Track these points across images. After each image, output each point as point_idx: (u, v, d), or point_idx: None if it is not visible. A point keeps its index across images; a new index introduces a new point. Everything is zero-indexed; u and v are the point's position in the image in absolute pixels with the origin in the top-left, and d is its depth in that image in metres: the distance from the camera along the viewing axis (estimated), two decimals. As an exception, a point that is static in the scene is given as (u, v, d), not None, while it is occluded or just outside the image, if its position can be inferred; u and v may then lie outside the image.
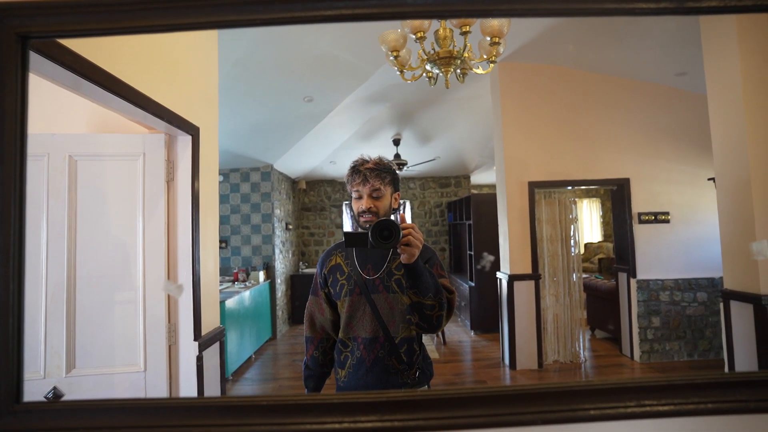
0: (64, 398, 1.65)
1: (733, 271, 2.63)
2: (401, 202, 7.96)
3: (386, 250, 1.10)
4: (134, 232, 1.74)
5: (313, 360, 1.33)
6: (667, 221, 3.87)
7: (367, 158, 1.25)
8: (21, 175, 0.72)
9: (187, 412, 0.67)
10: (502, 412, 0.64)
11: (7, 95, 0.73)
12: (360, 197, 1.21)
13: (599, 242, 8.67)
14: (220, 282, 4.99)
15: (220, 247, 5.45)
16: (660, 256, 3.86)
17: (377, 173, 1.20)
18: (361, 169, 1.20)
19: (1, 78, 0.74)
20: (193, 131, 1.85)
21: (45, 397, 1.63)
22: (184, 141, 1.84)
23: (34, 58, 1.12)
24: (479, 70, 2.49)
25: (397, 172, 1.31)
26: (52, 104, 1.85)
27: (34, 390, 1.63)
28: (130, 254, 1.73)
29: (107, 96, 1.40)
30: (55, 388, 1.65)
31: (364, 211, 1.20)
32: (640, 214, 3.88)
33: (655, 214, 3.88)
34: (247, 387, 3.69)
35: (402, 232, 1.03)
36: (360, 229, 1.21)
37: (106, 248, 1.72)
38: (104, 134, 1.77)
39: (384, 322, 1.19)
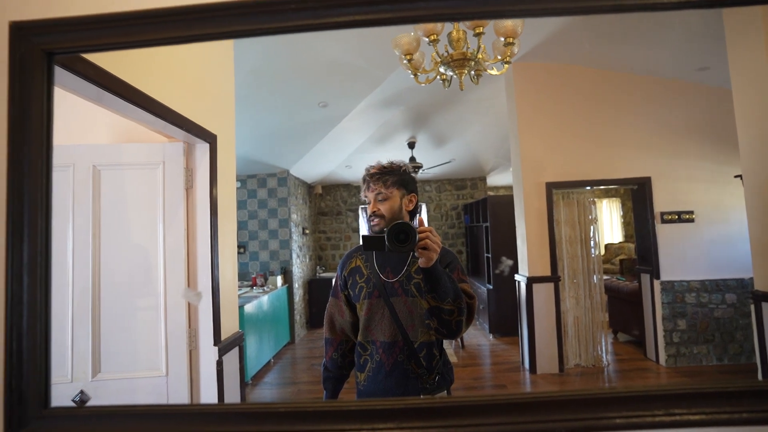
0: (90, 402, 1.70)
1: (764, 271, 2.53)
2: (418, 204, 7.85)
3: (403, 253, 1.09)
4: (155, 239, 1.78)
5: (333, 362, 1.34)
6: (691, 220, 3.75)
7: (375, 164, 1.29)
8: (47, 186, 0.75)
9: (206, 418, 0.68)
10: (524, 420, 0.63)
11: (34, 109, 0.76)
12: (369, 202, 1.26)
13: (620, 243, 8.47)
14: (239, 287, 5.06)
15: (239, 253, 5.53)
16: (684, 257, 3.75)
17: (379, 177, 1.23)
18: (365, 176, 1.26)
19: (29, 92, 0.77)
20: (210, 139, 1.88)
21: (72, 401, 1.68)
22: (202, 149, 1.88)
23: (59, 72, 1.15)
24: (493, 71, 2.47)
25: (411, 173, 1.31)
26: (76, 116, 1.91)
27: (62, 393, 1.68)
28: (151, 261, 1.77)
29: (128, 107, 1.44)
30: (82, 392, 1.70)
31: (371, 215, 1.24)
32: (662, 214, 3.77)
33: (679, 213, 3.76)
34: (266, 391, 3.72)
35: (419, 236, 1.02)
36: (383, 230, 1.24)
37: (128, 255, 1.77)
38: (126, 144, 1.82)
39: (403, 326, 1.19)
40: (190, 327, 1.81)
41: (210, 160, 1.88)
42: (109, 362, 1.72)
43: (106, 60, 1.26)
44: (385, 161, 1.29)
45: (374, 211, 1.22)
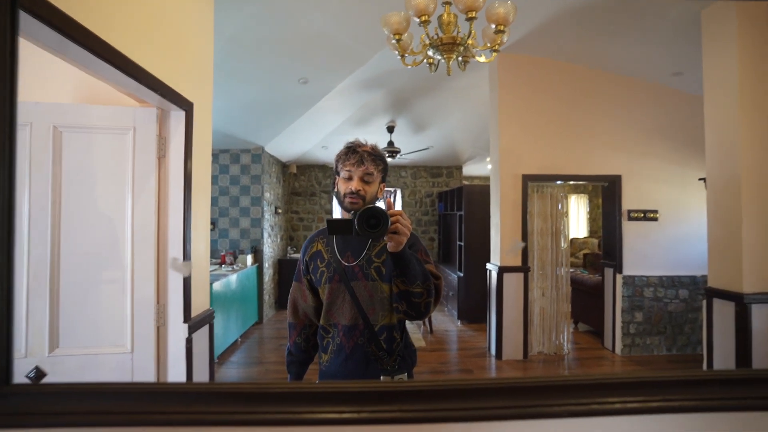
0: (46, 379, 1.60)
1: (717, 269, 2.69)
2: (391, 190, 7.97)
3: (374, 239, 1.07)
4: (123, 210, 1.68)
5: (296, 346, 1.34)
6: (655, 219, 3.93)
7: (364, 142, 1.25)
8: (11, 147, 0.68)
9: (172, 397, 0.65)
10: (481, 405, 0.63)
11: (-5, 54, 0.68)
12: (350, 178, 1.19)
13: (585, 238, 8.81)
14: (207, 264, 4.91)
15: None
16: (646, 253, 3.93)
17: (373, 158, 1.20)
18: (358, 150, 1.20)
19: (-11, 35, 0.68)
20: (186, 106, 1.78)
21: (27, 377, 1.58)
22: (178, 116, 1.77)
23: (20, 17, 1.05)
24: (481, 59, 2.45)
25: (389, 161, 1.32)
26: (36, 71, 1.75)
27: (15, 370, 1.58)
28: (118, 232, 1.67)
29: (96, 62, 1.32)
30: (37, 367, 1.60)
31: (352, 193, 1.18)
32: (629, 211, 3.93)
33: (645, 211, 3.93)
34: (233, 370, 3.67)
35: (390, 219, 1.00)
36: (344, 211, 1.21)
37: (92, 225, 1.66)
38: (92, 105, 1.69)
39: (363, 310, 1.19)
40: (158, 302, 1.74)
41: (185, 129, 1.78)
42: (68, 337, 1.62)
43: (75, 8, 1.15)
44: (364, 141, 1.25)
45: (357, 190, 1.18)
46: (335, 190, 1.26)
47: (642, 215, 3.94)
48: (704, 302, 2.75)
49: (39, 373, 1.60)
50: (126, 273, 1.67)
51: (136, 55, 1.44)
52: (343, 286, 1.20)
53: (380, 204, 1.21)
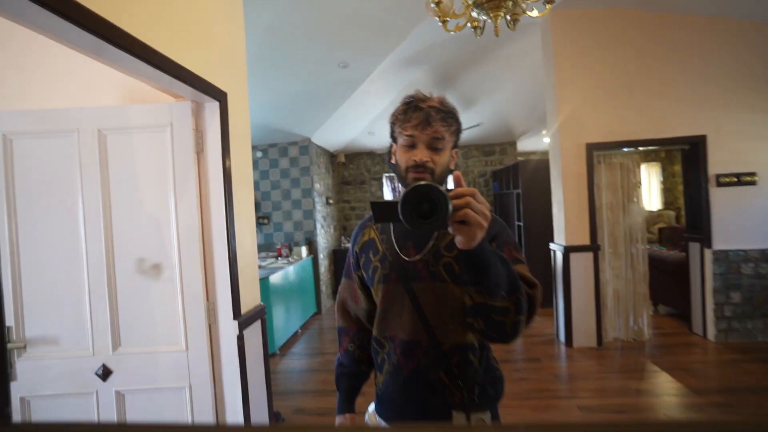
0: (113, 375, 1.65)
1: None
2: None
3: (428, 231, 0.72)
4: (167, 208, 1.66)
5: (348, 355, 1.09)
6: (753, 183, 3.38)
7: (428, 94, 0.90)
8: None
9: None
10: None
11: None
12: (413, 145, 0.87)
13: (659, 210, 7.99)
14: (264, 258, 5.03)
15: (263, 223, 5.49)
16: (743, 224, 3.40)
17: (443, 116, 0.87)
18: (422, 106, 0.87)
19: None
20: (220, 97, 1.72)
21: (95, 374, 1.64)
22: (212, 108, 1.72)
23: (52, 21, 1.03)
24: (533, 13, 2.16)
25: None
26: (78, 77, 1.78)
27: (85, 366, 1.64)
28: (164, 231, 1.66)
29: (128, 60, 1.29)
30: (104, 365, 1.65)
31: (417, 165, 0.86)
32: (718, 176, 3.41)
33: (738, 175, 3.39)
34: (294, 361, 3.72)
35: (452, 204, 0.65)
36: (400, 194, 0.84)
37: (140, 225, 1.66)
38: (130, 105, 1.68)
39: (428, 321, 0.88)
40: (208, 300, 1.72)
41: (221, 120, 1.73)
42: (129, 336, 1.65)
43: (105, 8, 1.11)
44: (429, 94, 0.91)
45: (424, 162, 0.86)
46: (393, 161, 0.94)
47: (735, 179, 3.40)
48: (827, 278, 2.29)
49: (106, 370, 1.66)
50: (175, 271, 1.66)
51: (166, 49, 1.39)
52: (402, 288, 0.90)
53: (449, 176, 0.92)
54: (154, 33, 1.35)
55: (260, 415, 1.92)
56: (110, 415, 1.61)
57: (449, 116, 0.88)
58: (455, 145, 0.93)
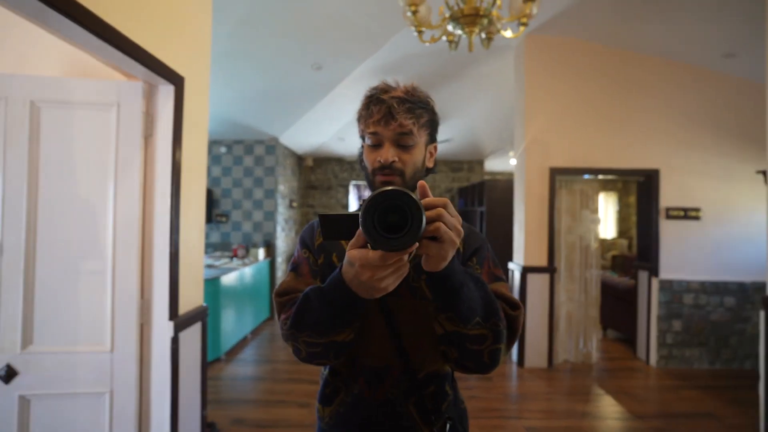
0: (20, 377, 1.46)
1: (778, 276, 2.36)
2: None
3: (395, 250, 0.52)
4: (105, 194, 1.52)
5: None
6: (697, 218, 3.57)
7: (394, 84, 0.78)
8: None
9: None
10: None
11: None
12: (378, 144, 0.76)
13: (613, 239, 8.36)
14: (219, 257, 4.81)
15: (221, 221, 5.26)
16: (686, 256, 3.58)
17: (409, 107, 0.74)
18: (384, 98, 0.74)
19: None
20: (176, 80, 1.60)
21: (-2, 375, 1.44)
22: (166, 91, 1.60)
23: None
24: (507, 33, 2.19)
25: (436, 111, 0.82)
26: (14, 42, 1.61)
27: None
28: (99, 219, 1.51)
29: (75, 30, 1.18)
30: (8, 365, 1.46)
31: (383, 167, 0.75)
32: (668, 209, 3.58)
33: (685, 209, 3.58)
34: (240, 368, 3.53)
35: (426, 216, 0.52)
36: (360, 203, 0.66)
37: (72, 210, 1.50)
38: (72, 78, 1.53)
39: (403, 344, 0.75)
40: (143, 297, 1.58)
41: (175, 105, 1.61)
42: (44, 333, 1.47)
43: None
44: (395, 84, 0.78)
45: (392, 162, 0.74)
46: (362, 164, 0.82)
47: (682, 214, 3.58)
48: (762, 313, 2.42)
49: (10, 371, 1.47)
50: (107, 264, 1.51)
51: (117, 21, 1.27)
52: (374, 303, 0.74)
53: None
54: (107, 3, 1.24)
55: (191, 425, 1.77)
56: (8, 425, 1.41)
57: (418, 106, 0.75)
58: (432, 140, 0.81)
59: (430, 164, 0.81)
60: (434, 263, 0.58)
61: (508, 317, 0.70)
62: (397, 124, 0.74)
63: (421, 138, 0.77)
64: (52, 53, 1.65)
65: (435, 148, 0.83)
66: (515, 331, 0.71)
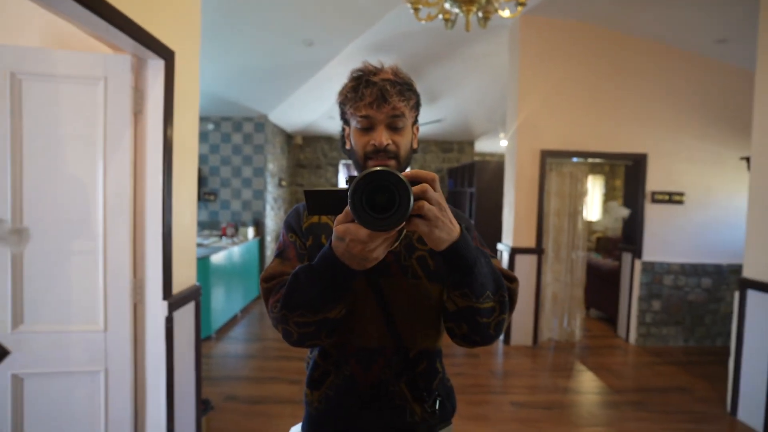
0: (12, 357, 1.45)
1: (755, 258, 2.45)
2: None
3: (383, 230, 0.54)
4: (94, 171, 1.48)
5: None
6: (681, 202, 3.66)
7: (379, 66, 0.77)
8: None
9: None
10: None
11: None
12: (370, 127, 0.75)
13: (598, 221, 8.53)
14: (207, 236, 4.77)
15: (209, 200, 5.19)
16: (668, 239, 3.69)
17: (400, 89, 0.74)
18: (375, 80, 0.73)
19: None
20: (166, 55, 1.55)
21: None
22: (156, 66, 1.55)
23: None
24: (505, 13, 2.17)
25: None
26: (-6, 9, 1.53)
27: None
28: (89, 196, 1.48)
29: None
30: (-1, 344, 1.45)
31: (378, 150, 0.74)
32: (653, 193, 3.66)
33: (670, 194, 3.66)
34: (231, 346, 3.56)
35: (412, 193, 0.53)
36: (346, 180, 0.62)
37: (60, 188, 1.46)
38: (57, 50, 1.46)
39: (396, 324, 0.75)
40: (135, 277, 1.56)
41: (165, 81, 1.56)
42: (35, 312, 1.46)
43: None
44: (380, 65, 0.78)
45: (386, 145, 0.74)
46: (347, 147, 0.81)
47: (667, 198, 3.67)
48: (736, 293, 2.53)
49: (2, 351, 1.46)
50: (98, 243, 1.49)
51: (100, -13, 1.21)
52: (366, 283, 0.74)
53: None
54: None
55: (187, 402, 1.79)
56: (2, 404, 1.41)
57: (406, 88, 0.75)
58: (416, 121, 0.82)
59: (414, 145, 0.83)
60: (437, 242, 0.59)
61: (508, 289, 0.73)
62: (390, 107, 0.73)
63: (409, 120, 0.78)
64: (31, 23, 1.57)
65: (417, 129, 0.85)
66: (514, 302, 0.74)
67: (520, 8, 2.10)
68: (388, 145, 0.74)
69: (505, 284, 0.71)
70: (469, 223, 0.83)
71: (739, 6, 2.84)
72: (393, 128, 0.75)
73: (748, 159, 2.76)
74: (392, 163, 0.75)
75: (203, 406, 2.08)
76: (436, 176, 0.57)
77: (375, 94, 0.73)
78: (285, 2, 3.01)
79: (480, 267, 0.65)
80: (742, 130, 3.49)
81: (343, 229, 0.56)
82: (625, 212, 3.79)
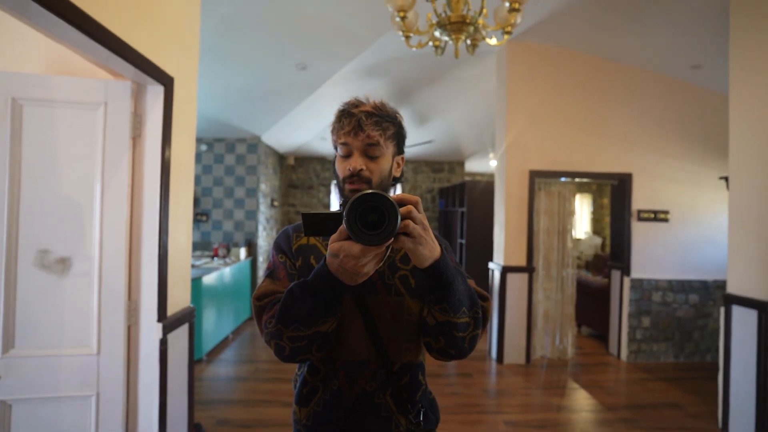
0: (1, 382, 1.43)
1: (738, 274, 2.52)
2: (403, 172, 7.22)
3: (374, 244, 0.61)
4: (91, 195, 1.50)
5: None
6: (666, 220, 3.76)
7: (364, 99, 0.86)
8: None
9: None
10: None
11: None
12: (348, 154, 0.82)
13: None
14: (199, 257, 4.74)
15: (201, 220, 5.18)
16: (655, 256, 3.77)
17: (377, 120, 0.81)
18: (354, 112, 0.82)
19: None
20: (166, 81, 1.59)
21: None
22: (155, 92, 1.59)
23: None
24: (492, 41, 2.27)
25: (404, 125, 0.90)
26: (1, 40, 1.57)
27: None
28: (86, 219, 1.49)
29: (62, 26, 1.15)
30: (-11, 369, 1.43)
31: (352, 175, 0.81)
32: (639, 212, 3.76)
33: (655, 212, 3.76)
34: (222, 369, 3.50)
35: (399, 213, 0.61)
36: (340, 204, 0.73)
37: (56, 211, 1.48)
38: (57, 76, 1.50)
39: (381, 339, 0.81)
40: (130, 299, 1.56)
41: (164, 106, 1.60)
42: (26, 336, 1.44)
43: None
44: (365, 99, 0.86)
45: (359, 170, 0.80)
46: (335, 172, 0.90)
47: (653, 216, 3.77)
48: (722, 309, 2.59)
49: (-8, 376, 1.43)
50: (93, 265, 1.49)
51: (105, 18, 1.26)
52: (353, 300, 0.81)
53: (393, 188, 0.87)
54: (93, 1, 1.22)
55: (179, 427, 1.76)
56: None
57: (385, 120, 0.82)
58: (399, 152, 0.88)
59: (396, 174, 0.89)
60: (418, 260, 0.66)
61: (482, 307, 0.80)
62: (365, 135, 0.81)
63: (387, 149, 0.84)
64: (34, 50, 1.62)
65: (402, 159, 0.91)
66: (486, 319, 0.82)
67: (506, 36, 2.20)
68: (361, 170, 0.81)
69: (479, 302, 0.79)
70: (447, 245, 0.89)
71: (711, 34, 3.01)
72: (369, 156, 0.82)
73: (726, 179, 2.87)
74: (365, 187, 0.81)
75: (195, 430, 2.04)
76: (419, 199, 0.65)
77: (353, 123, 0.81)
78: (279, 28, 3.11)
79: (458, 284, 0.72)
80: (720, 151, 3.64)
81: (338, 246, 0.63)
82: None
